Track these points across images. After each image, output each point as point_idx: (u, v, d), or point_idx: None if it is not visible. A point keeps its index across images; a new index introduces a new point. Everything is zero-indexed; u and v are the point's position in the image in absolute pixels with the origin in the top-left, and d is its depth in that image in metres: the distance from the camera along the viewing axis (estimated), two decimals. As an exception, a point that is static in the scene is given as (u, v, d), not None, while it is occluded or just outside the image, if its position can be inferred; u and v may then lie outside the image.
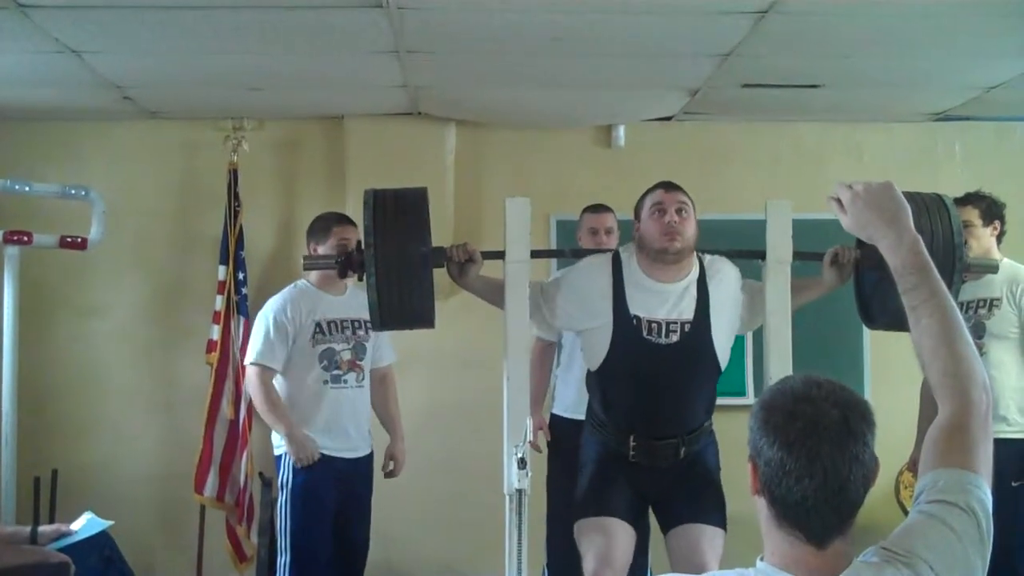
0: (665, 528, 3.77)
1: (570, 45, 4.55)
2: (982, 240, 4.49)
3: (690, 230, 3.65)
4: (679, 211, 3.62)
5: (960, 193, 4.56)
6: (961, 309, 1.94)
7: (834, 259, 3.77)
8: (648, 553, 4.56)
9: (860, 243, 3.76)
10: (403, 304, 3.52)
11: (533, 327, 4.24)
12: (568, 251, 4.66)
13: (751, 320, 3.90)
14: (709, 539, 3.61)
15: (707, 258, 3.79)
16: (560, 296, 3.79)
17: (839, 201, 2.10)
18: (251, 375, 4.66)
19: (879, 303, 3.82)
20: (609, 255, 3.84)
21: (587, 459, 3.84)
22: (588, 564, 3.54)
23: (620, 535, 3.59)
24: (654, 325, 3.64)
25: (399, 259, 3.48)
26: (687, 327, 3.65)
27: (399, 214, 3.53)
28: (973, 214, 4.47)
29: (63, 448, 5.80)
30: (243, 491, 5.64)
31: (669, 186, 3.70)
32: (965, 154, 6.16)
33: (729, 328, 3.78)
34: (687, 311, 3.67)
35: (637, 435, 3.69)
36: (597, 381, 3.80)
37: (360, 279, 3.65)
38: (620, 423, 3.74)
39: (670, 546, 3.71)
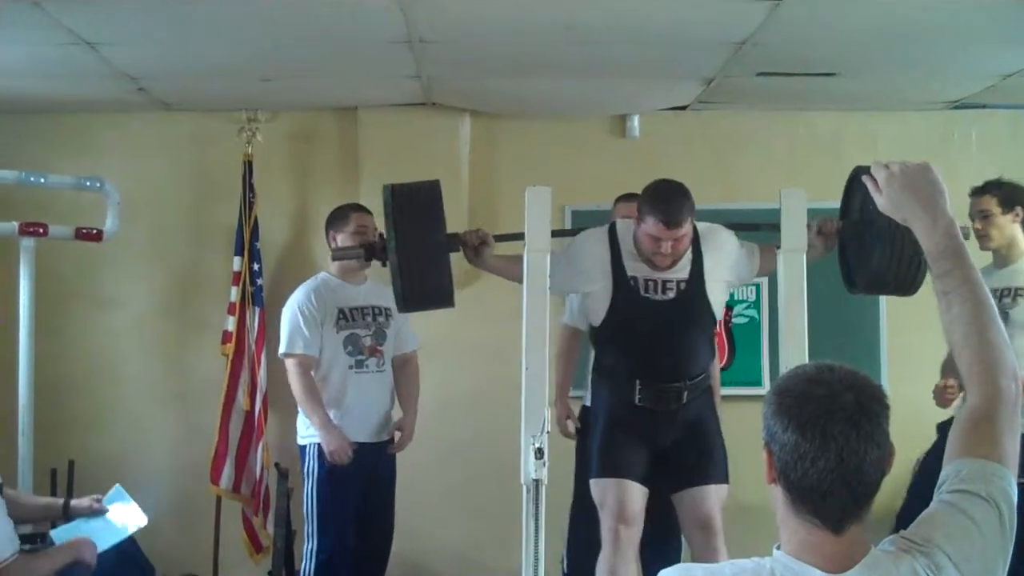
0: (672, 490, 4.01)
1: (584, 34, 4.53)
2: (1004, 229, 4.42)
3: (683, 247, 3.84)
4: (673, 244, 3.80)
5: (977, 182, 4.53)
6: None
7: (819, 229, 3.95)
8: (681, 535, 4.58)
9: (843, 215, 4.01)
10: (424, 285, 3.74)
11: (563, 317, 4.71)
12: None
13: (749, 272, 4.11)
14: (714, 496, 3.94)
15: (703, 227, 3.97)
16: (562, 262, 3.97)
17: (874, 181, 2.05)
18: (290, 366, 4.69)
19: (859, 268, 3.98)
20: (605, 227, 4.04)
21: (598, 413, 4.09)
22: (605, 521, 3.86)
23: (633, 494, 3.87)
24: (651, 283, 3.90)
25: (418, 247, 3.68)
26: (683, 284, 3.91)
27: (415, 209, 3.71)
28: (991, 203, 4.42)
29: (80, 439, 5.80)
30: (259, 482, 5.65)
31: (670, 220, 3.75)
32: (981, 142, 6.10)
33: (724, 283, 4.02)
34: (683, 270, 3.91)
35: (642, 381, 3.91)
36: (601, 335, 4.05)
37: (383, 265, 3.85)
38: (625, 372, 3.95)
39: (677, 504, 4.01)
